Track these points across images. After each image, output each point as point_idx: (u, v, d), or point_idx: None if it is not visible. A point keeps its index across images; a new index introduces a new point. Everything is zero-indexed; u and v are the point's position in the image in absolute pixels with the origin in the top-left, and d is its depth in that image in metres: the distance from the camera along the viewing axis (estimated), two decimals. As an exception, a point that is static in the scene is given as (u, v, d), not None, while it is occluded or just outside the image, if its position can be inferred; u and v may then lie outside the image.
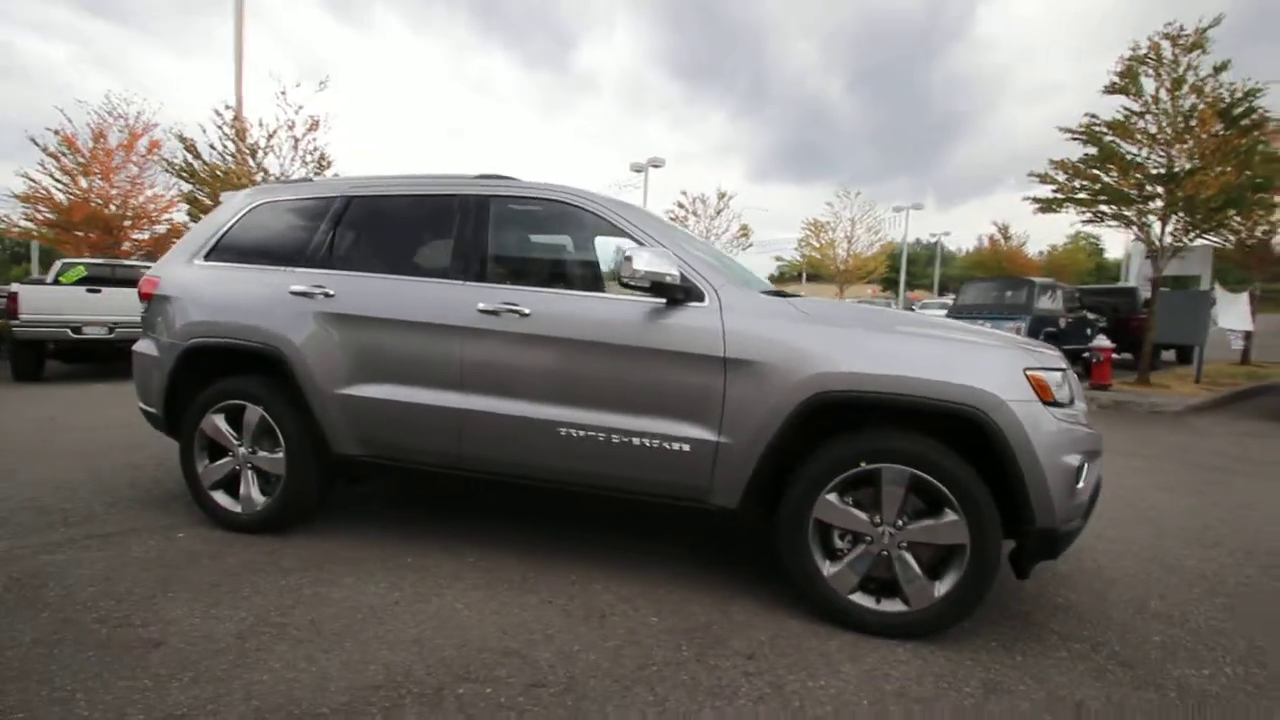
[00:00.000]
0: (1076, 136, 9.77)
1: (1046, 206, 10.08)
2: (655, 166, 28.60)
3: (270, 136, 11.08)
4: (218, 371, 3.12)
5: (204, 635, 2.15)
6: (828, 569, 2.34)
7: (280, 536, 3.01)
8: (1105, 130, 9.55)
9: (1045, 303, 10.56)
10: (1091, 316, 11.72)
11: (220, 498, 3.10)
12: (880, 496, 2.27)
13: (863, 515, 2.30)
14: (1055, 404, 2.24)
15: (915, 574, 2.26)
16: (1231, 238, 12.80)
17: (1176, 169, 8.63)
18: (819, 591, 2.34)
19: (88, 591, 2.43)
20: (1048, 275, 20.65)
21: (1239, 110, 8.23)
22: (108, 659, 1.99)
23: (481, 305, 2.67)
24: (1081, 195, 9.97)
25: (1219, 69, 8.33)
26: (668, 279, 2.41)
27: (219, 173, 10.76)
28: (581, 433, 2.55)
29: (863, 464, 2.27)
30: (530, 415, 2.61)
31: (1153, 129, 8.90)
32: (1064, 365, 2.39)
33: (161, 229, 13.87)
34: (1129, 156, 9.07)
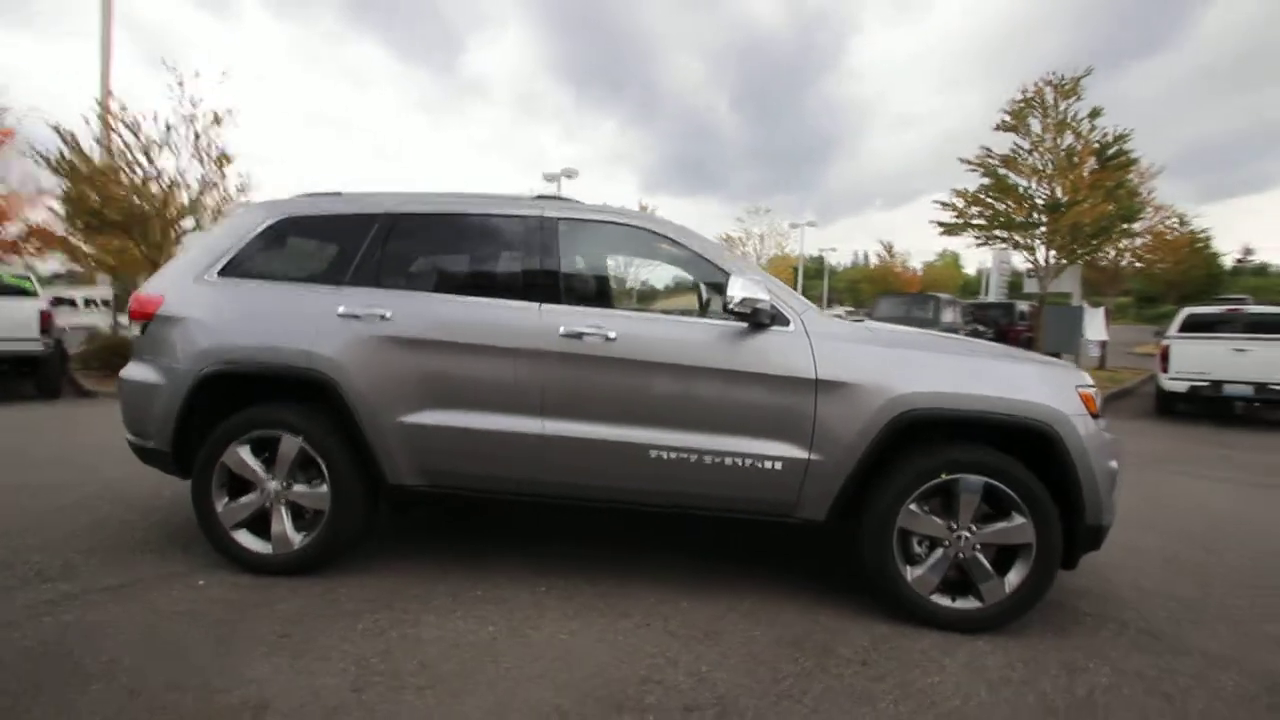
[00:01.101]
0: (974, 167, 10.98)
1: (950, 230, 11.23)
2: (568, 177, 28.52)
3: (168, 131, 9.95)
4: (240, 400, 2.84)
5: (310, 692, 1.97)
6: (910, 573, 2.54)
7: (322, 577, 2.78)
8: (998, 163, 10.80)
9: (948, 316, 11.73)
10: (981, 329, 13.15)
11: (244, 538, 2.81)
12: (957, 504, 2.50)
13: (940, 522, 2.52)
14: (1096, 416, 2.58)
15: (989, 573, 2.50)
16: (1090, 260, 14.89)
17: (1059, 200, 9.96)
18: (904, 594, 2.53)
19: (135, 655, 2.14)
20: (924, 290, 22.88)
21: (1111, 151, 9.68)
22: (216, 730, 1.78)
23: (564, 329, 2.64)
24: (979, 221, 11.19)
25: (1094, 115, 9.76)
26: (760, 304, 2.52)
27: (106, 170, 9.51)
28: (673, 454, 2.58)
29: (943, 475, 2.49)
30: (619, 439, 2.61)
31: (1040, 165, 10.21)
32: (1094, 383, 2.75)
33: (14, 229, 12.02)
34: (1021, 189, 10.35)
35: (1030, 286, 12.94)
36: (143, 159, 10.04)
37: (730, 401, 2.58)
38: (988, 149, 10.95)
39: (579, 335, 2.63)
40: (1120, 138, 9.73)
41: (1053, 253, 10.50)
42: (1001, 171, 10.72)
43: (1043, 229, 10.31)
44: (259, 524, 2.82)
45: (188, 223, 10.47)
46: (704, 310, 2.97)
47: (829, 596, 2.77)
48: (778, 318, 2.61)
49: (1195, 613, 2.74)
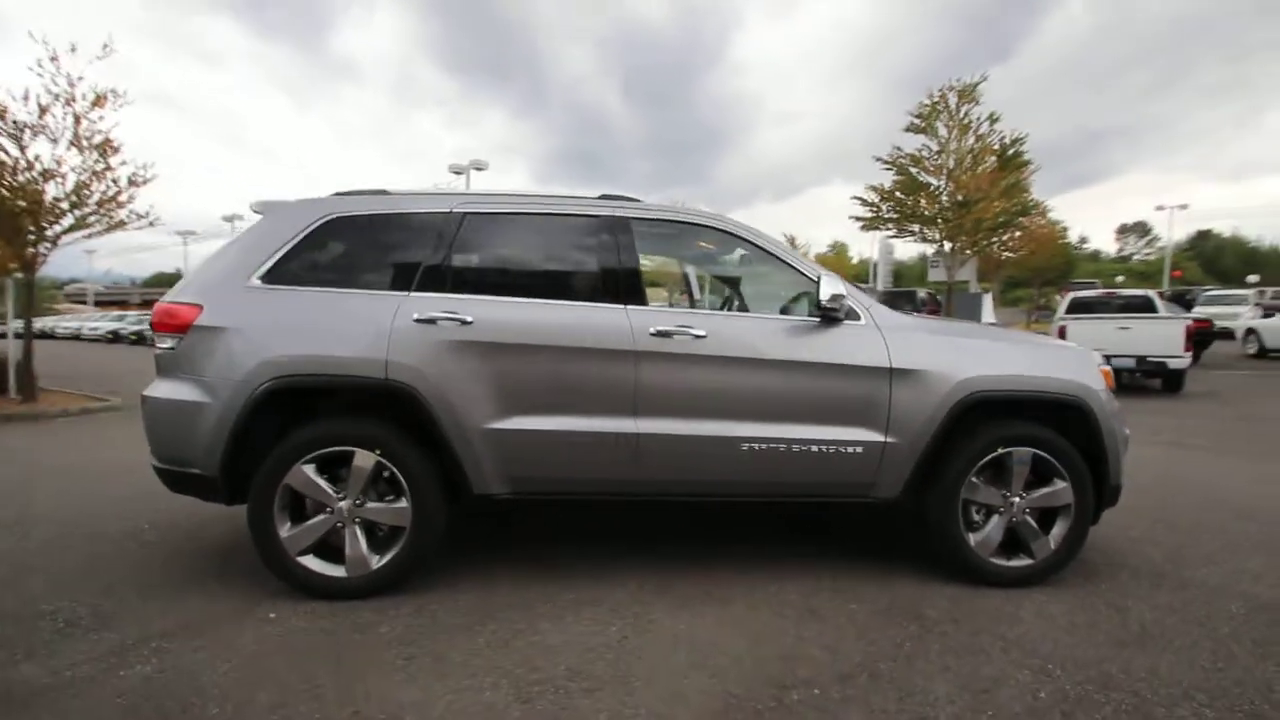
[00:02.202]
0: (888, 166, 11.89)
1: (870, 225, 12.12)
2: (478, 169, 27.67)
3: (43, 113, 8.66)
4: (298, 416, 2.65)
5: (482, 707, 1.92)
6: (973, 539, 2.83)
7: (398, 597, 2.65)
8: (909, 163, 11.77)
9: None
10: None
11: (312, 564, 2.63)
12: (1009, 474, 2.81)
13: (996, 491, 2.83)
14: (1112, 390, 2.99)
15: (1037, 533, 2.84)
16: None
17: (963, 198, 11.04)
18: (970, 559, 2.81)
19: (260, 699, 1.97)
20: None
21: (1010, 153, 10.87)
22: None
23: (655, 328, 2.69)
24: (892, 216, 12.14)
25: (993, 120, 10.90)
26: (844, 301, 2.70)
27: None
28: (763, 446, 2.71)
29: (999, 449, 2.79)
30: (712, 434, 2.70)
31: (947, 164, 11.25)
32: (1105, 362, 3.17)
33: None
34: (932, 187, 11.36)
35: (936, 275, 14.21)
36: (10, 146, 8.72)
37: (814, 392, 2.74)
38: (899, 148, 11.91)
39: (669, 334, 2.69)
40: (1016, 140, 10.99)
41: (958, 244, 11.64)
42: (913, 170, 11.68)
43: (951, 223, 11.39)
44: (324, 547, 2.65)
45: (68, 220, 9.24)
46: (783, 308, 3.08)
47: (893, 567, 3.01)
48: (850, 313, 2.81)
49: (1180, 555, 3.24)
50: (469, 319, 2.64)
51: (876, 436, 2.76)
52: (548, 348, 2.66)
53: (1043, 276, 28.41)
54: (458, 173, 28.78)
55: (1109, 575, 2.98)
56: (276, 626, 2.43)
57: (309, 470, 2.59)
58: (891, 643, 2.33)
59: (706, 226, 2.97)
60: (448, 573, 2.88)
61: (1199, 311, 14.75)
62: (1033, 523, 2.84)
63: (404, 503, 2.63)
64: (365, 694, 1.99)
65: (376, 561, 2.64)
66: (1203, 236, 70.50)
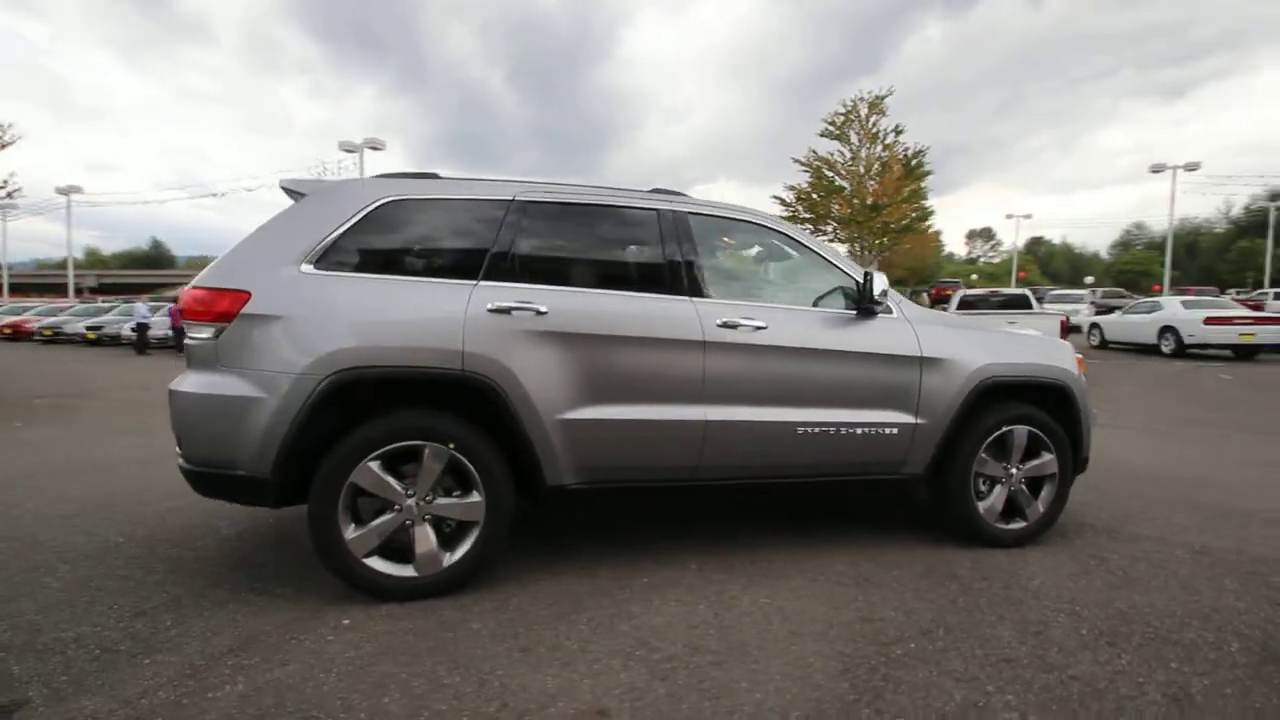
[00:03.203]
0: (805, 168, 12.66)
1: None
2: (374, 149, 26.14)
3: None
4: (360, 411, 2.51)
5: (626, 688, 1.98)
6: (981, 507, 3.21)
7: (475, 591, 2.61)
8: (823, 165, 12.61)
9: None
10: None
11: (379, 565, 2.51)
12: (1009, 449, 3.22)
13: (999, 464, 3.23)
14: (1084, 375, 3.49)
15: (1030, 499, 3.27)
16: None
17: (873, 202, 12.02)
18: (979, 525, 3.19)
19: (391, 704, 1.90)
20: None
21: (914, 163, 11.95)
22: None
23: (721, 319, 2.81)
24: (809, 216, 12.96)
25: (898, 131, 11.95)
26: (889, 296, 2.97)
27: None
28: (816, 429, 2.92)
29: (1003, 428, 3.19)
30: (772, 419, 2.87)
31: (859, 170, 12.18)
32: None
33: None
34: (845, 191, 12.25)
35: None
36: None
37: (858, 379, 2.99)
38: (814, 151, 12.72)
39: (734, 325, 2.83)
40: (919, 152, 12.12)
41: (868, 245, 12.67)
42: (828, 174, 12.53)
43: (863, 224, 12.36)
44: (389, 547, 2.54)
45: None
46: (816, 302, 3.29)
47: (911, 537, 3.34)
48: (885, 307, 3.08)
49: (1121, 515, 3.82)
50: (544, 309, 2.62)
51: (909, 419, 3.06)
52: (621, 338, 2.70)
53: (918, 276, 31.41)
54: (349, 150, 27.00)
55: (1076, 533, 3.49)
56: (357, 631, 2.31)
57: (376, 467, 2.47)
58: (946, 600, 2.63)
59: (756, 224, 3.12)
60: (495, 566, 2.85)
61: (1049, 309, 17.00)
62: (1026, 490, 3.27)
63: (476, 497, 2.57)
64: (501, 687, 1.97)
65: (448, 559, 2.57)
66: (1036, 242, 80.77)
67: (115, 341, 20.03)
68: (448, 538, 2.60)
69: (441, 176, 2.83)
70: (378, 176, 2.79)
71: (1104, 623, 2.45)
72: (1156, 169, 25.28)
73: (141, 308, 18.83)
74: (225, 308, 2.42)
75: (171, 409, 2.50)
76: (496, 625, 2.37)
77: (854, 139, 12.63)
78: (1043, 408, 3.29)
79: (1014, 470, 3.24)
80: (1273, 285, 29.26)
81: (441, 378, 2.51)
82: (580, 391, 2.65)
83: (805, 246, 3.15)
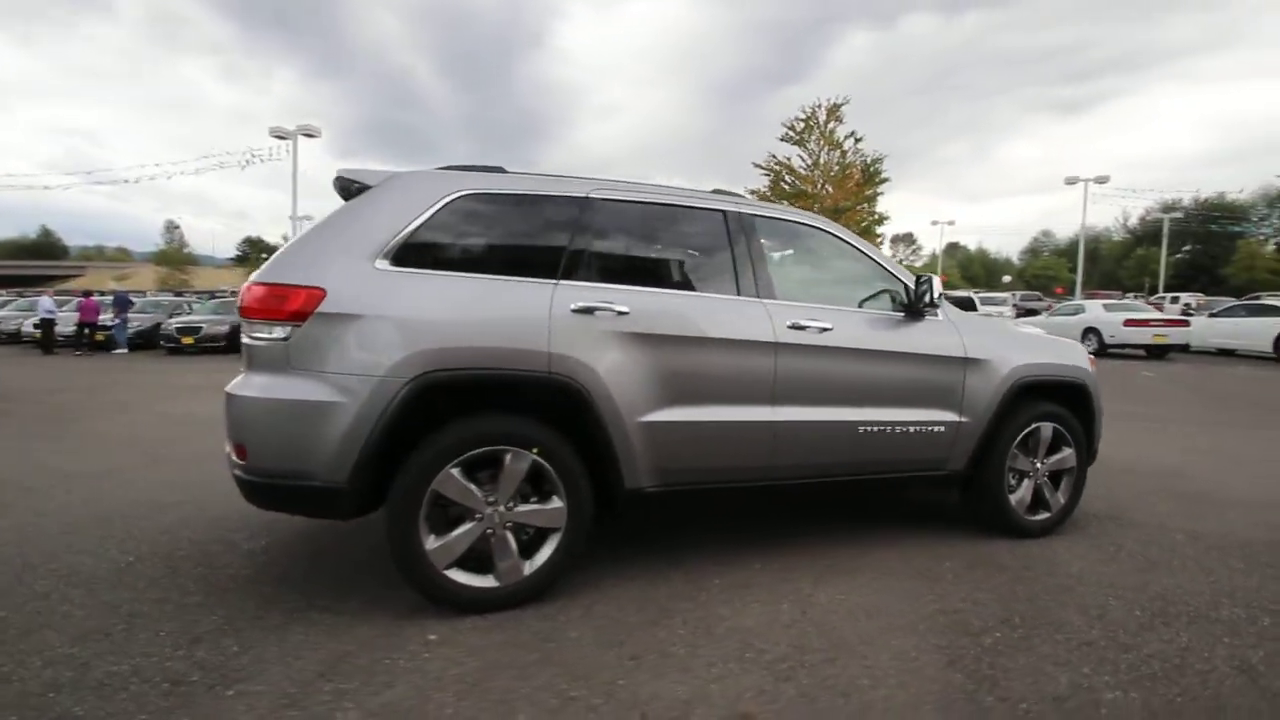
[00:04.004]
0: (767, 172, 12.95)
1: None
2: (309, 135, 24.80)
3: None
4: (438, 413, 2.39)
5: (754, 690, 1.98)
6: (1013, 500, 3.39)
7: (556, 601, 2.54)
8: (782, 169, 12.94)
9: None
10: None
11: (459, 576, 2.40)
12: (1038, 444, 3.42)
13: (1028, 459, 3.42)
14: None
15: (1053, 491, 3.48)
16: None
17: (834, 205, 12.44)
18: (1010, 516, 3.37)
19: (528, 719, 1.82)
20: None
21: (872, 169, 12.44)
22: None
23: (791, 321, 2.84)
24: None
25: (857, 139, 12.41)
26: (940, 300, 3.09)
27: None
28: (875, 428, 3.01)
29: (1032, 424, 3.38)
30: (836, 419, 2.93)
31: (820, 175, 12.57)
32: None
33: None
34: (807, 194, 12.61)
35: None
36: None
37: (912, 379, 3.10)
38: (774, 155, 13.04)
39: (802, 327, 2.87)
40: (877, 160, 12.64)
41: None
42: (788, 178, 12.87)
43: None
44: (467, 557, 2.44)
45: None
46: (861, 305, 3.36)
47: (945, 531, 3.49)
48: (933, 310, 3.21)
49: (1115, 505, 4.08)
50: (625, 309, 2.58)
51: (954, 417, 3.19)
52: (700, 339, 2.69)
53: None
54: (281, 137, 25.56)
55: (1086, 522, 3.73)
56: (449, 647, 2.20)
57: (458, 474, 2.36)
58: (1005, 589, 2.76)
59: (812, 227, 3.18)
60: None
61: (985, 310, 18.11)
62: (1049, 484, 3.48)
63: (557, 502, 2.50)
64: (632, 697, 1.94)
65: (529, 567, 2.48)
66: (954, 248, 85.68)
67: (15, 339, 18.20)
68: (525, 546, 2.52)
69: (508, 171, 2.73)
70: (445, 169, 2.66)
71: (1150, 604, 2.64)
72: (1070, 181, 27.40)
73: (47, 301, 17.18)
74: (299, 306, 2.25)
75: (231, 415, 2.30)
76: (593, 634, 2.31)
77: (813, 145, 13.07)
78: (1064, 405, 3.51)
79: (1039, 465, 3.44)
80: (1166, 290, 32.34)
81: (527, 380, 2.43)
82: (659, 393, 2.62)
83: (858, 250, 3.23)
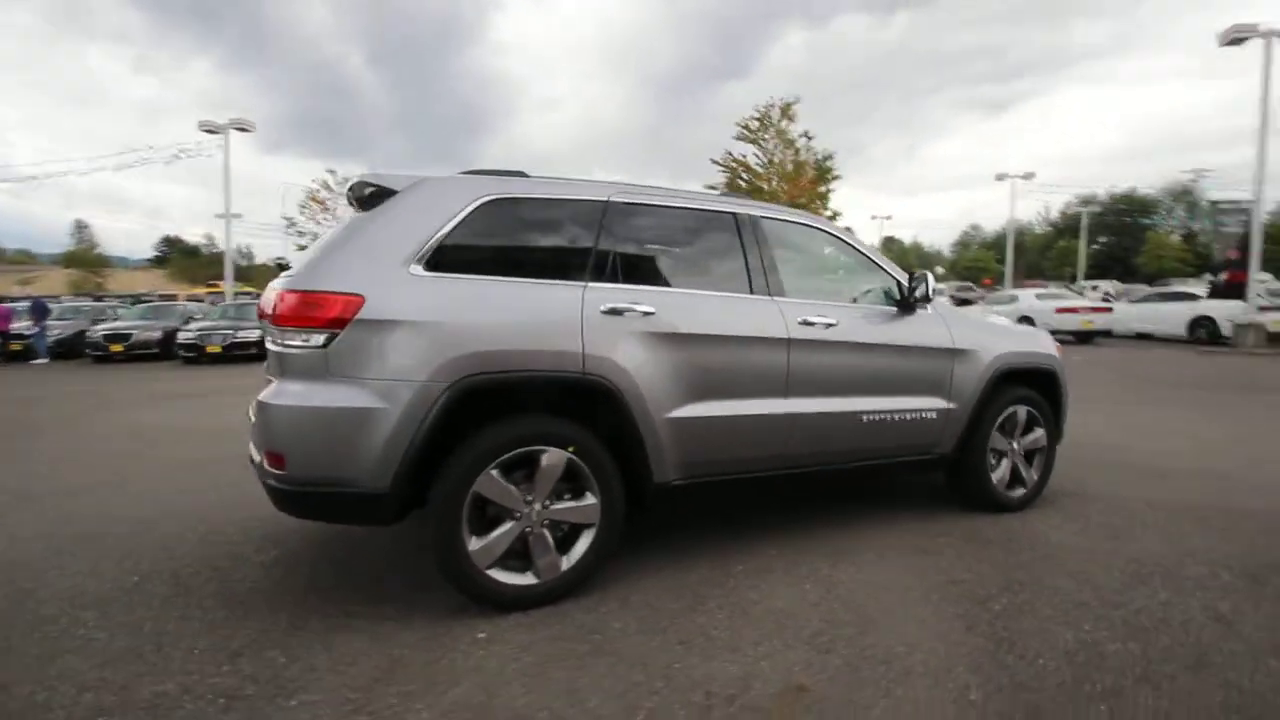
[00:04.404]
0: (725, 169, 13.22)
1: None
2: (242, 130, 23.64)
3: None
4: (474, 416, 2.42)
5: (802, 665, 2.10)
6: (994, 478, 3.65)
7: (589, 594, 2.61)
8: (738, 166, 13.24)
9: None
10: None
11: (500, 575, 2.44)
12: (1015, 426, 3.70)
13: (1005, 440, 3.69)
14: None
15: (1027, 468, 3.77)
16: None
17: (789, 202, 12.79)
18: (992, 493, 3.63)
19: (599, 706, 1.90)
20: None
21: (825, 167, 12.86)
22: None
23: (801, 318, 2.98)
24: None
25: (809, 137, 12.81)
26: (934, 295, 3.30)
27: None
28: (877, 416, 3.20)
29: (1009, 408, 3.65)
30: (843, 409, 3.10)
31: (774, 172, 12.91)
32: None
33: None
34: (763, 190, 12.93)
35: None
36: None
37: (908, 369, 3.31)
38: (730, 153, 13.33)
39: (811, 323, 3.02)
40: (828, 157, 13.10)
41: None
42: (744, 175, 13.17)
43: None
44: (509, 556, 2.48)
45: None
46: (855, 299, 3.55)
47: (928, 510, 3.73)
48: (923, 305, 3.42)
49: (1072, 480, 4.44)
50: (651, 310, 2.66)
51: (944, 404, 3.42)
52: (720, 337, 2.81)
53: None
54: (212, 131, 24.31)
55: (1053, 498, 4.03)
56: (501, 644, 2.25)
57: (497, 475, 2.40)
58: (1000, 560, 3.00)
59: (813, 227, 3.34)
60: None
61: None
62: (1024, 461, 3.77)
63: (591, 499, 2.57)
64: (689, 679, 2.04)
65: (566, 564, 2.55)
66: (890, 241, 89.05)
67: (-85, 351, 16.66)
68: (560, 543, 2.58)
69: (529, 175, 2.77)
70: (469, 173, 2.68)
71: (1125, 566, 2.92)
72: (1000, 177, 28.98)
73: (-48, 311, 15.82)
74: (337, 313, 2.23)
75: (266, 424, 2.27)
76: (637, 623, 2.40)
77: (768, 142, 13.42)
78: (1036, 389, 3.80)
79: (1015, 445, 3.72)
80: (1086, 279, 34.70)
81: (563, 381, 2.48)
82: (684, 390, 2.72)
83: (855, 249, 3.41)
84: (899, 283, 3.40)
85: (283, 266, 2.79)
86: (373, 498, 2.27)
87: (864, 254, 3.44)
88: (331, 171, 17.23)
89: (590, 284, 2.62)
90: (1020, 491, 3.75)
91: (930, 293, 3.30)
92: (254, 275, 55.80)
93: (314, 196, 17.22)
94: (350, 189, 2.73)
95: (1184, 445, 5.46)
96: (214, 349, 14.23)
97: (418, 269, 2.39)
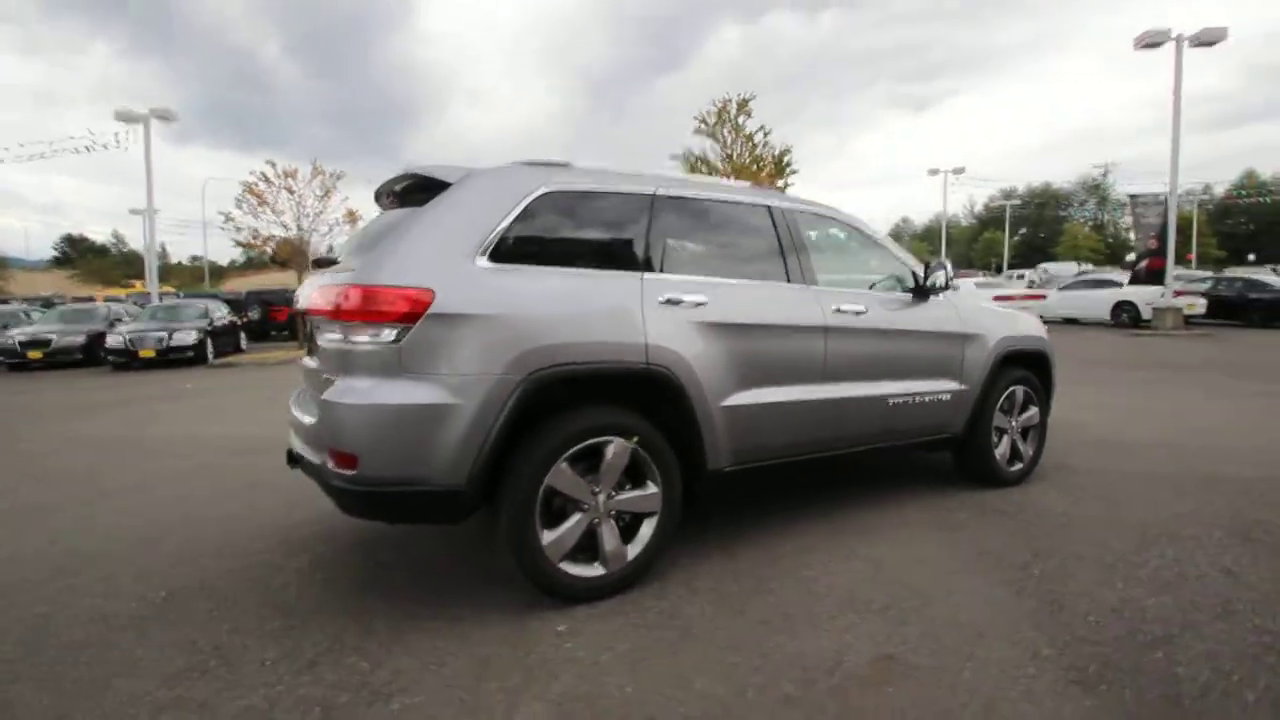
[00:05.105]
0: (685, 163, 13.33)
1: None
2: (164, 119, 22.08)
3: None
4: (546, 410, 2.40)
5: (883, 636, 2.20)
6: (996, 454, 3.88)
7: (652, 581, 2.64)
8: (697, 161, 13.39)
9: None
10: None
11: (571, 568, 2.44)
12: (1013, 405, 3.94)
13: (1006, 418, 3.93)
14: (1046, 342, 4.34)
15: (1024, 444, 4.02)
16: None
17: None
18: (995, 470, 3.86)
19: (708, 687, 1.93)
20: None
21: (784, 162, 13.15)
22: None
23: (835, 305, 3.09)
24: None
25: (766, 132, 13.07)
26: (949, 284, 3.47)
27: None
28: (901, 399, 3.35)
29: (1011, 388, 3.89)
30: (874, 393, 3.24)
31: (732, 166, 13.11)
32: None
33: None
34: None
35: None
36: None
37: (927, 353, 3.47)
38: (689, 148, 13.48)
39: (843, 311, 3.13)
40: (785, 152, 13.40)
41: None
42: (704, 169, 13.32)
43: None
44: (578, 548, 2.48)
45: None
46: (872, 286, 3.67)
47: (935, 487, 3.93)
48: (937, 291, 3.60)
49: (1057, 456, 4.79)
50: (705, 299, 2.70)
51: (957, 385, 3.61)
52: (766, 326, 2.88)
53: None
54: (129, 120, 22.62)
55: (1043, 473, 4.31)
56: (585, 636, 2.26)
57: (567, 468, 2.40)
58: (1020, 531, 3.20)
59: (834, 218, 3.45)
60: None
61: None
62: (1021, 438, 4.03)
63: (653, 488, 2.60)
64: (784, 655, 2.11)
65: (631, 553, 2.56)
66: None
67: None
68: (622, 533, 2.59)
69: (573, 166, 2.75)
70: (521, 164, 2.64)
71: (1131, 531, 3.17)
72: (933, 172, 30.48)
73: None
74: (408, 308, 2.17)
75: (335, 424, 2.19)
76: (711, 607, 2.45)
77: (726, 137, 13.64)
78: (1030, 369, 4.06)
79: (1014, 423, 3.97)
80: (1010, 268, 36.88)
81: (628, 372, 2.49)
82: (735, 378, 2.78)
83: (872, 238, 3.55)
84: (913, 272, 3.56)
85: (329, 261, 2.69)
86: (448, 495, 2.23)
87: (880, 243, 3.58)
88: (271, 163, 16.21)
89: (646, 275, 2.64)
90: (1018, 467, 4.00)
91: (949, 281, 3.47)
92: (171, 274, 52.34)
93: (251, 189, 16.25)
94: (390, 181, 2.65)
95: (1132, 420, 5.93)
96: (147, 353, 13.33)
97: (483, 261, 2.35)
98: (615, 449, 2.49)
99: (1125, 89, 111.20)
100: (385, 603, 2.53)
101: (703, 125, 13.67)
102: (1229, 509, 3.44)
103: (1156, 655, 2.07)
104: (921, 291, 3.53)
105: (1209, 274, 20.78)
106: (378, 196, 2.95)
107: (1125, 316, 16.20)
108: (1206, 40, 14.04)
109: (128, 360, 13.25)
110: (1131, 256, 22.23)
